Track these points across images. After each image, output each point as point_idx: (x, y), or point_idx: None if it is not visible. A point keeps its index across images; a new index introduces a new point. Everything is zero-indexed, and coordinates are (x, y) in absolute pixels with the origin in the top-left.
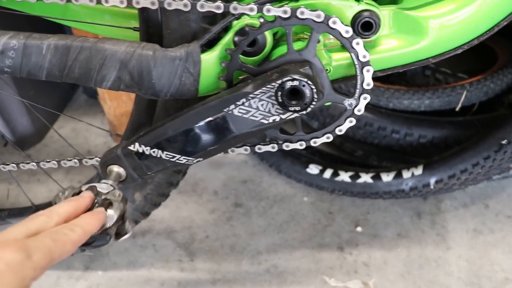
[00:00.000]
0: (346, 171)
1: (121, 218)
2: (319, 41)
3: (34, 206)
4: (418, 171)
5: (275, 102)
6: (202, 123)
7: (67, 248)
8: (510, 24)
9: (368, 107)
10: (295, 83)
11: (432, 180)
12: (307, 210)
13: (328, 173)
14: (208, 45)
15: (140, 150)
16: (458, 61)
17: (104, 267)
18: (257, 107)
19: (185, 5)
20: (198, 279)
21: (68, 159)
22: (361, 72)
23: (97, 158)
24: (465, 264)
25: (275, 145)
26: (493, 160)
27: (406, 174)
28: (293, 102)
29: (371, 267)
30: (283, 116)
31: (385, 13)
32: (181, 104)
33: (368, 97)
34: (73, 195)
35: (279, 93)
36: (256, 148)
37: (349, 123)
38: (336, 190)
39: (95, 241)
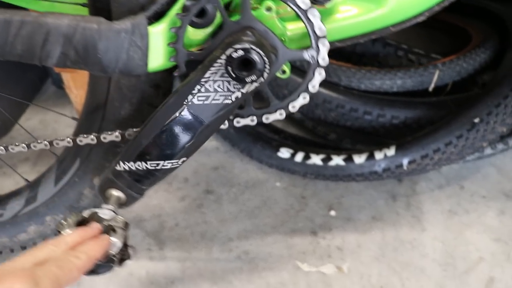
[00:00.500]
0: (318, 154)
1: (124, 244)
2: (270, 9)
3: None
4: (391, 152)
5: (229, 79)
6: (168, 123)
7: (73, 275)
8: (483, 6)
9: (339, 89)
10: (240, 52)
11: (405, 161)
12: (280, 195)
13: (299, 157)
14: (157, 18)
15: (127, 168)
16: (432, 43)
17: None
18: (215, 90)
19: None
20: (167, 268)
21: (39, 141)
22: (317, 46)
23: (68, 139)
24: (440, 245)
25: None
26: (466, 139)
27: (378, 155)
28: (246, 73)
29: (345, 251)
30: (244, 90)
31: None
32: (134, 82)
33: (323, 73)
34: (77, 223)
35: (229, 68)
36: None
37: (303, 99)
38: (308, 174)
39: (100, 268)
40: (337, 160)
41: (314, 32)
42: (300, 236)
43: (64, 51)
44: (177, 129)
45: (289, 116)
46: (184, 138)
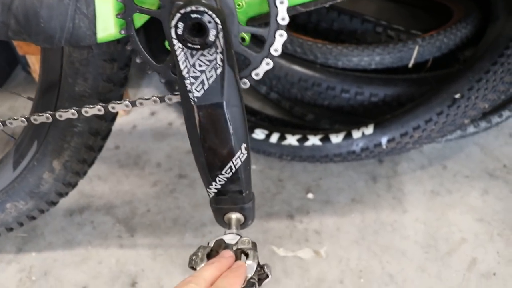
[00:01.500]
0: (294, 134)
1: (258, 264)
2: None
3: None
4: (369, 130)
5: (199, 51)
6: (199, 131)
7: None
8: None
9: (315, 67)
10: (192, 16)
11: (384, 140)
12: (256, 178)
13: (274, 138)
14: None
15: (215, 190)
16: (413, 20)
17: (39, 248)
18: (201, 70)
19: None
20: (138, 255)
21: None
22: (274, 5)
23: (22, 118)
24: (422, 226)
25: (157, 98)
26: (446, 116)
27: (356, 134)
28: (203, 37)
29: (322, 235)
30: (219, 49)
31: None
32: (86, 55)
33: (284, 35)
34: (207, 255)
35: (187, 42)
36: (138, 103)
37: (266, 65)
38: (284, 155)
39: None
40: (314, 140)
41: None
42: (277, 220)
43: (3, 20)
44: (211, 128)
45: (265, 97)
46: (222, 129)
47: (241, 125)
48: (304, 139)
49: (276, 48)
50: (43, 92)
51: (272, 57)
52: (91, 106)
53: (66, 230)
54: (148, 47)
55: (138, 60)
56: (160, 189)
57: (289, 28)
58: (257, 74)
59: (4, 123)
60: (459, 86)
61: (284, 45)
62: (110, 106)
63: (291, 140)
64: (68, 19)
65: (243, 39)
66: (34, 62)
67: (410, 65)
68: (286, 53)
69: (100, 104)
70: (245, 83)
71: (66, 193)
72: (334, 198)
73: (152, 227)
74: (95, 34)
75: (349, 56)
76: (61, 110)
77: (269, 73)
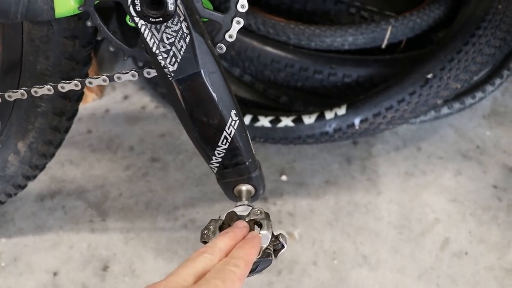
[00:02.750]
0: (266, 116)
1: (273, 234)
2: None
3: None
4: (342, 111)
5: (162, 23)
6: (183, 102)
7: (235, 286)
8: None
9: (288, 48)
10: None
11: (357, 120)
12: None
13: (246, 119)
14: None
15: (217, 164)
16: (387, 2)
17: (8, 233)
18: (170, 43)
19: None
20: (109, 239)
21: None
22: None
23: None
24: (396, 208)
25: (135, 72)
26: (419, 96)
27: (328, 115)
28: (159, 10)
29: (296, 217)
30: (181, 17)
31: None
32: (46, 32)
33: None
34: (219, 228)
35: (146, 16)
36: (115, 78)
37: (237, 24)
38: (257, 137)
39: (258, 266)
40: (286, 122)
41: None
42: None
43: None
44: (195, 100)
45: (239, 80)
46: (207, 99)
47: (225, 91)
48: (276, 120)
49: (243, 4)
50: (4, 71)
51: (240, 14)
52: (67, 81)
53: (37, 215)
54: (120, 31)
55: (111, 48)
56: (133, 173)
57: (262, 9)
58: (230, 36)
59: None
60: (432, 66)
61: (256, 26)
62: (87, 81)
63: (264, 121)
64: None
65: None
66: None
67: (383, 46)
68: (258, 34)
69: (77, 79)
70: (221, 48)
71: (34, 176)
72: (308, 180)
73: (124, 211)
74: (52, 9)
75: (322, 37)
76: (11, 90)
77: (242, 55)
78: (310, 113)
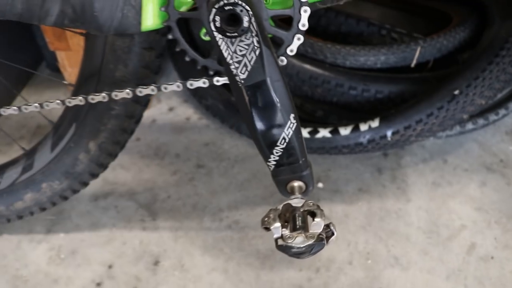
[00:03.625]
0: (305, 127)
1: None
2: None
3: None
4: (375, 123)
5: (236, 38)
6: (250, 107)
7: None
8: None
9: (324, 66)
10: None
11: (389, 132)
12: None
13: None
14: None
15: (274, 162)
16: (414, 26)
17: (66, 229)
18: (242, 54)
19: None
20: (160, 237)
21: (29, 103)
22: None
23: (58, 101)
24: (425, 214)
25: (206, 80)
26: (446, 110)
27: (363, 127)
28: (235, 27)
29: (332, 221)
30: (254, 33)
31: None
32: (128, 43)
33: (308, 10)
34: (279, 215)
35: (224, 31)
36: (188, 84)
37: (297, 40)
38: None
39: (313, 249)
40: (324, 133)
41: None
42: None
43: (62, 10)
44: (260, 104)
45: None
46: (270, 104)
47: (286, 97)
48: (315, 131)
49: (303, 23)
50: (84, 77)
51: (301, 32)
52: (145, 87)
53: (92, 214)
54: (190, 43)
55: (187, 58)
56: (180, 178)
57: None
58: (291, 50)
59: (41, 106)
60: (458, 84)
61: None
62: (162, 86)
63: (303, 132)
64: (118, 10)
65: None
66: (63, 58)
67: (412, 65)
68: (298, 53)
69: (154, 85)
70: (282, 60)
71: (97, 175)
72: (342, 187)
73: (173, 211)
74: (140, 23)
75: (356, 56)
76: (93, 94)
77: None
78: (345, 125)
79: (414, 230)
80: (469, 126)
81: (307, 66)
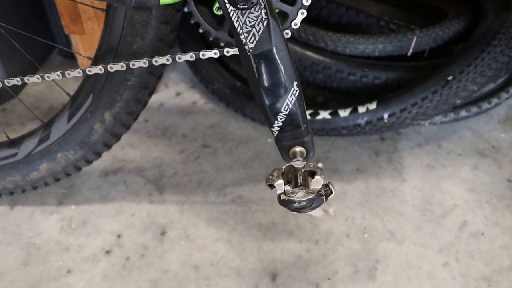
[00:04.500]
0: (307, 109)
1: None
2: None
3: (10, 140)
4: (373, 106)
5: (247, 10)
6: (257, 74)
7: None
8: None
9: (326, 53)
10: None
11: (386, 114)
12: (271, 149)
13: None
14: None
15: (278, 128)
16: (411, 21)
17: (77, 201)
18: (251, 25)
19: None
20: (166, 210)
21: (51, 72)
22: None
23: (78, 70)
24: (419, 193)
25: (217, 51)
26: (440, 95)
27: (361, 109)
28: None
29: (331, 198)
30: (262, 4)
31: None
32: (146, 17)
33: None
34: (282, 174)
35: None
36: (201, 55)
37: (301, 15)
38: None
39: (313, 203)
40: (324, 114)
41: None
42: None
43: None
44: (266, 72)
45: None
46: (276, 71)
47: (290, 66)
48: (315, 113)
49: None
50: (102, 50)
51: (305, 7)
52: (160, 56)
53: (102, 188)
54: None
55: (200, 30)
56: (186, 156)
57: (303, 21)
58: (295, 24)
59: (63, 74)
60: (452, 70)
61: (298, 34)
62: (177, 56)
63: None
64: None
65: None
66: (77, 42)
67: (409, 54)
68: (300, 41)
69: (169, 55)
70: (287, 33)
71: (111, 145)
72: (341, 168)
73: (179, 187)
74: None
75: (356, 44)
76: (113, 63)
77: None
78: (344, 107)
79: (409, 207)
80: (463, 113)
81: (309, 53)
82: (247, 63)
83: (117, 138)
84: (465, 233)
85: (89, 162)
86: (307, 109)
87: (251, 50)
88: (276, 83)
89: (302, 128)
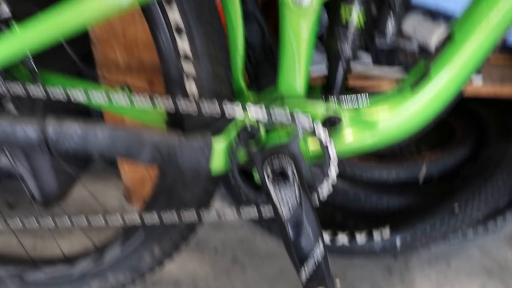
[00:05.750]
0: (325, 230)
1: None
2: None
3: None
4: (386, 233)
5: (285, 187)
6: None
7: None
8: (467, 104)
9: (345, 178)
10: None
11: (398, 242)
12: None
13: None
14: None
15: None
16: (420, 139)
17: None
18: (287, 200)
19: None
20: None
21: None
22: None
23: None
24: None
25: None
26: (448, 222)
27: (376, 236)
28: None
29: None
30: (296, 184)
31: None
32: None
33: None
34: None
35: (276, 179)
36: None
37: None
38: None
39: None
40: (343, 240)
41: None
42: None
43: (153, 154)
44: (297, 233)
45: None
46: (304, 233)
47: (316, 227)
48: (334, 237)
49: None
50: (155, 197)
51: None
52: None
53: None
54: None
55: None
56: (217, 270)
57: None
58: (323, 198)
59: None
60: (458, 199)
61: None
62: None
63: (325, 238)
64: (194, 157)
65: None
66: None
67: (420, 182)
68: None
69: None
70: (315, 200)
71: (154, 269)
72: (357, 286)
73: None
74: (209, 168)
75: (372, 171)
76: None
77: None
78: (360, 230)
79: None
80: (470, 235)
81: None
82: (282, 227)
83: (161, 264)
84: None
85: (133, 281)
86: (326, 229)
87: (285, 218)
88: (305, 241)
89: (326, 280)
